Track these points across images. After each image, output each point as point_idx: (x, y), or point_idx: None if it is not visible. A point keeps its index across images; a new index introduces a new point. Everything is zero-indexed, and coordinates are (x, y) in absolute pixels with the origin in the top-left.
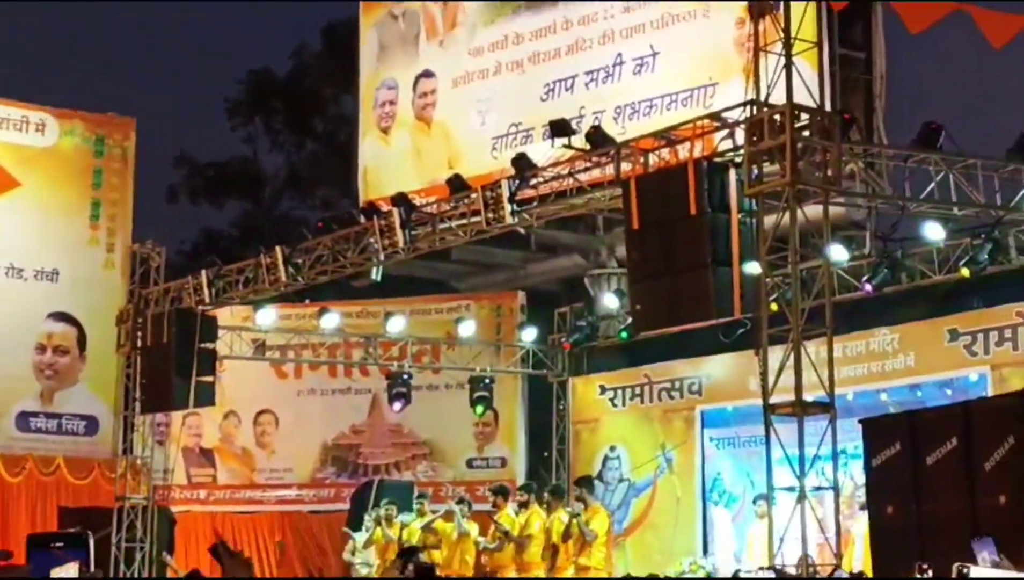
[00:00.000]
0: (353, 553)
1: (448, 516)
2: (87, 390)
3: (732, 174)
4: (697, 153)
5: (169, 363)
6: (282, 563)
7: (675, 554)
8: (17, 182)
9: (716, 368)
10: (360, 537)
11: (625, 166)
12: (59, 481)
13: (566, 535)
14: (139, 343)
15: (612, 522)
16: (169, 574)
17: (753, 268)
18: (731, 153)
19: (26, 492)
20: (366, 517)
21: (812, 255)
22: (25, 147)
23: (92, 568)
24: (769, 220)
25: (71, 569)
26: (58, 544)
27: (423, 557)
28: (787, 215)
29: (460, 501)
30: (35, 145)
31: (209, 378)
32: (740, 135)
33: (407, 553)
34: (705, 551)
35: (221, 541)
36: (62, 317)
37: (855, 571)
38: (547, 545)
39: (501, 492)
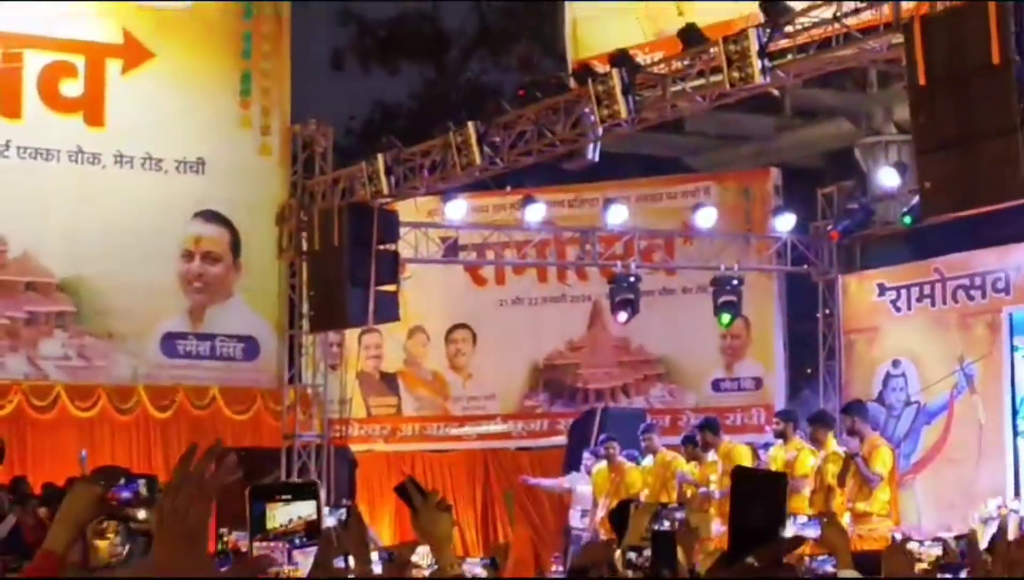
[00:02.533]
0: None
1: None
2: (244, 305)
3: None
4: None
5: (342, 270)
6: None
7: (978, 495)
8: (151, 53)
9: None
10: (579, 484)
11: (906, 5)
12: (215, 416)
13: (843, 477)
14: (305, 246)
15: (897, 457)
16: None
17: None
18: None
19: (176, 430)
20: (585, 455)
21: None
22: (159, 10)
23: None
24: None
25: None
26: (285, 496)
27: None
28: None
29: (690, 441)
30: (170, 7)
31: (391, 287)
32: None
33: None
34: (1017, 491)
35: (411, 478)
36: (211, 216)
37: None
38: (818, 488)
39: (709, 427)
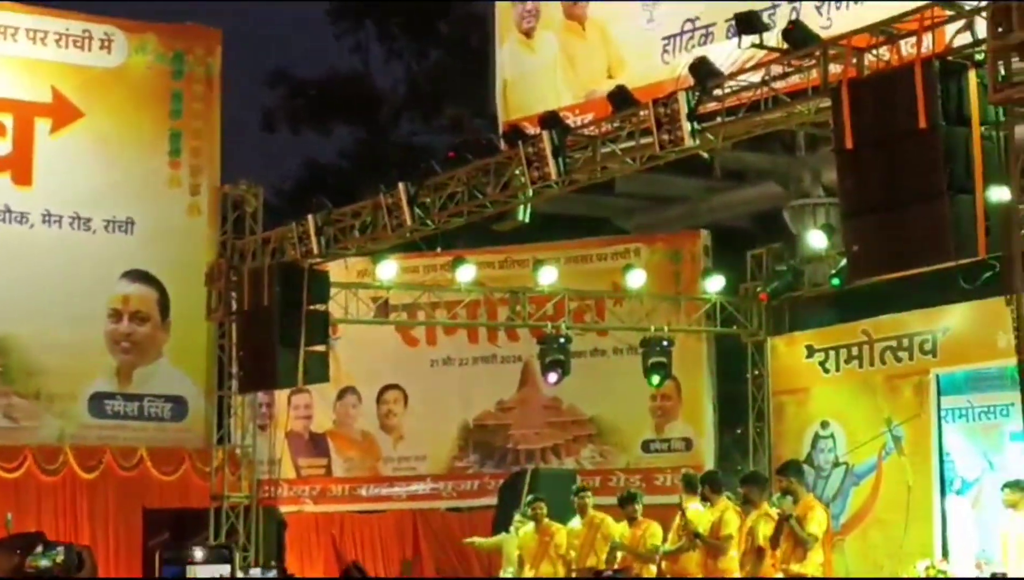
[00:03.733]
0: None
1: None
2: (172, 366)
3: (972, 76)
4: (926, 50)
5: (272, 330)
6: None
7: (907, 556)
8: (80, 112)
9: (955, 321)
10: (511, 544)
11: (834, 69)
12: (143, 477)
13: (776, 538)
14: (234, 307)
15: (830, 518)
16: None
17: (1001, 194)
18: (970, 49)
19: (103, 491)
20: (515, 516)
21: None
22: (88, 68)
23: None
24: (1020, 132)
25: None
26: (197, 559)
27: None
28: None
29: (628, 499)
30: (100, 66)
31: (321, 347)
32: (981, 26)
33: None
34: (945, 553)
35: (355, 564)
36: (139, 276)
37: None
38: (749, 549)
39: (689, 483)
